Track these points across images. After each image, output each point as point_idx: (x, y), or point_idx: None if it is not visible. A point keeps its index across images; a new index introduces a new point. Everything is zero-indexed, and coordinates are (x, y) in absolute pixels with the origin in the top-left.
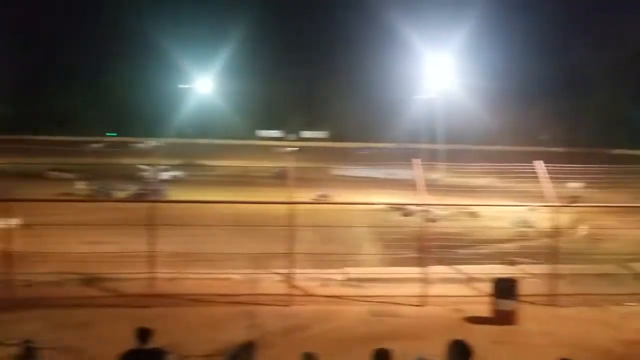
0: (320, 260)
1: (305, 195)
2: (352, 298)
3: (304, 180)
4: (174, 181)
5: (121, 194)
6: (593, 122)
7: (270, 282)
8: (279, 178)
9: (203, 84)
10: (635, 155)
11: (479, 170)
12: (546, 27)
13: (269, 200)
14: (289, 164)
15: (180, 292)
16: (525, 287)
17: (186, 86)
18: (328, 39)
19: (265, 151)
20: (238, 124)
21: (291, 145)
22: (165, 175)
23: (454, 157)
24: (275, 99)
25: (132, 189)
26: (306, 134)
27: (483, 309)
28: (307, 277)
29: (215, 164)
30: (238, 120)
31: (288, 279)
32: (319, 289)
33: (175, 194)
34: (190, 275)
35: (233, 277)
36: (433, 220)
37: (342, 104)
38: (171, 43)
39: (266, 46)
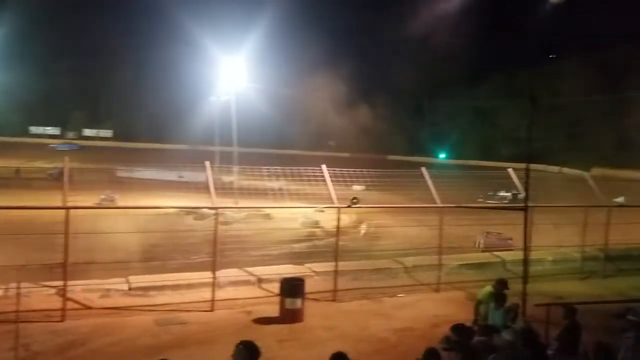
0: (102, 269)
1: (87, 199)
2: (137, 308)
3: (85, 182)
4: None
5: None
6: (376, 130)
7: (40, 296)
8: (56, 180)
9: None
10: (410, 161)
11: (272, 173)
12: (339, 35)
13: (41, 205)
14: (68, 164)
15: None
16: (312, 285)
17: None
18: (117, 32)
19: (40, 150)
20: (7, 119)
21: (68, 143)
22: None
23: (248, 160)
24: (54, 93)
25: None
26: (89, 132)
27: (272, 309)
28: (84, 288)
29: None
30: (8, 115)
31: (62, 291)
32: (98, 300)
33: None
34: None
35: None
36: (226, 223)
37: (129, 101)
38: None
39: (44, 33)
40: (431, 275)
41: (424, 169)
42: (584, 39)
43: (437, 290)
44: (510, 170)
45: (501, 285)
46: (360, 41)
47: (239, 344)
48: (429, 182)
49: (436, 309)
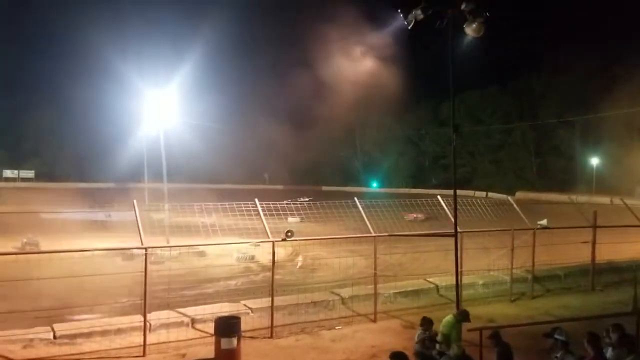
0: (25, 318)
1: (7, 243)
2: (63, 358)
3: (7, 226)
4: None
5: None
6: (308, 162)
7: None
8: None
9: None
10: (344, 192)
11: (205, 209)
12: (267, 68)
13: None
14: None
15: None
16: (248, 323)
17: None
18: (39, 69)
19: None
20: None
21: None
22: None
23: (179, 196)
24: None
25: None
26: (9, 172)
27: (207, 350)
28: (5, 339)
29: None
30: None
31: None
32: (21, 352)
33: None
34: None
35: None
36: (157, 263)
37: (52, 140)
38: None
39: None
40: (368, 305)
41: (356, 199)
42: (503, 69)
43: (374, 320)
44: (439, 197)
45: (463, 316)
46: (288, 74)
47: None
48: (362, 212)
49: (374, 339)
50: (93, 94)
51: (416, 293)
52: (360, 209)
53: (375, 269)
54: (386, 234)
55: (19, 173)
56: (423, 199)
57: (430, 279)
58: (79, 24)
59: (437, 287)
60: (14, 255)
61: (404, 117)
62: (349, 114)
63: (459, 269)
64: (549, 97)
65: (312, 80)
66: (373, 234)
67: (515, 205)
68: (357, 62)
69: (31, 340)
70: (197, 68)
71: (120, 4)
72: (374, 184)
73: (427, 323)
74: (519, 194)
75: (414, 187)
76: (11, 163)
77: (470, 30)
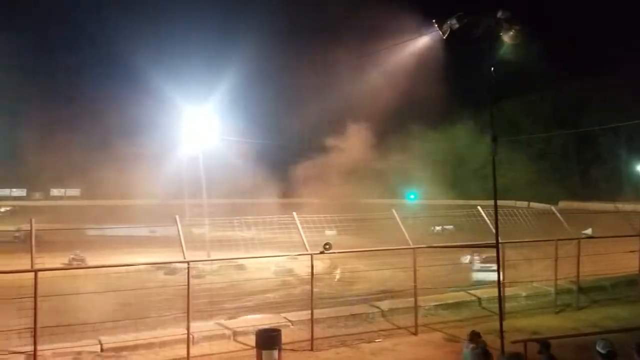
0: (73, 332)
1: (54, 260)
2: None
3: (53, 243)
4: None
5: None
6: (347, 175)
7: None
8: (23, 242)
9: None
10: (381, 204)
11: (243, 223)
12: (305, 82)
13: (8, 270)
14: (34, 225)
15: None
16: (288, 335)
17: None
18: (83, 93)
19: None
20: None
21: (8, 205)
22: None
23: (219, 212)
24: (19, 154)
25: None
26: (56, 191)
27: None
28: (55, 352)
29: None
30: None
31: (32, 357)
32: None
33: None
34: None
35: None
36: (199, 277)
37: (96, 160)
38: None
39: (9, 96)
40: (408, 318)
41: (394, 211)
42: (542, 76)
43: (414, 333)
44: (479, 208)
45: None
46: (323, 86)
47: None
48: (400, 224)
49: (415, 352)
50: (135, 114)
51: (457, 305)
52: (398, 220)
53: (415, 281)
54: (425, 245)
55: (65, 191)
56: (464, 210)
57: (472, 291)
58: (120, 45)
59: (479, 300)
60: (61, 271)
61: (441, 127)
62: (384, 124)
63: (501, 281)
64: (591, 104)
65: (346, 93)
66: (412, 246)
67: (558, 215)
68: (392, 73)
69: (79, 353)
70: (237, 84)
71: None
72: (411, 196)
73: (475, 337)
74: (562, 204)
75: (453, 198)
76: (58, 182)
77: (507, 38)
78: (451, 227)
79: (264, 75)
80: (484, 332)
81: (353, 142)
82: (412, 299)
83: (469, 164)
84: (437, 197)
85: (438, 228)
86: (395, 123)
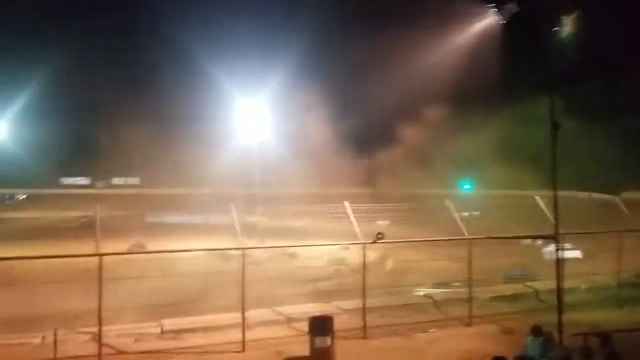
0: (135, 313)
1: (118, 245)
2: (170, 351)
3: (116, 229)
4: None
5: None
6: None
7: (76, 342)
8: (88, 228)
9: None
10: (434, 194)
11: (297, 212)
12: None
13: (73, 254)
14: (99, 212)
15: None
16: (340, 323)
17: None
18: (135, 82)
19: (71, 200)
20: (39, 171)
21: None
22: None
23: (273, 201)
24: (83, 145)
25: None
26: (117, 180)
27: (302, 348)
28: (119, 333)
29: (14, 217)
30: (39, 168)
31: (97, 337)
32: (132, 345)
33: None
34: None
35: (32, 342)
36: (253, 264)
37: (155, 149)
38: None
39: (69, 87)
40: (462, 309)
41: (448, 202)
42: (604, 62)
43: (469, 325)
44: (537, 198)
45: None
46: (380, 71)
47: None
48: (455, 215)
49: (470, 344)
50: (191, 103)
51: (514, 298)
52: (453, 211)
53: (469, 272)
54: (482, 236)
55: (126, 180)
56: (520, 200)
57: (530, 283)
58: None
59: (536, 292)
60: (123, 256)
61: (498, 114)
62: (438, 111)
63: (561, 273)
64: None
65: (404, 79)
66: (467, 237)
67: (622, 206)
68: (450, 58)
69: (141, 334)
70: (290, 74)
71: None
72: (466, 186)
73: (537, 330)
74: (626, 194)
75: (510, 188)
76: (119, 172)
77: (568, 22)
78: (477, 213)
79: (324, 62)
80: (542, 325)
81: (413, 130)
82: (467, 290)
83: (528, 152)
84: (494, 187)
85: (465, 214)
86: (453, 108)
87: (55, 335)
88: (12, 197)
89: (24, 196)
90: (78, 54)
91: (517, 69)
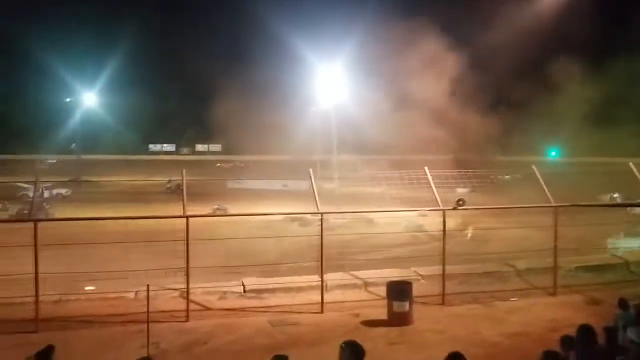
0: (218, 273)
1: (201, 208)
2: (252, 309)
3: (199, 194)
4: (60, 199)
5: (2, 214)
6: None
7: (166, 298)
8: (173, 193)
9: (89, 97)
10: (519, 161)
11: (374, 179)
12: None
13: (162, 215)
14: (185, 177)
15: (69, 315)
16: (418, 289)
17: (71, 99)
18: (217, 52)
19: (158, 166)
20: (128, 138)
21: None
22: (50, 193)
23: (350, 167)
24: (167, 112)
25: (13, 208)
26: (200, 147)
27: (380, 312)
28: (204, 291)
29: (105, 180)
30: (127, 135)
31: (185, 294)
32: (217, 302)
33: (62, 212)
34: (80, 297)
35: (125, 296)
36: (330, 229)
37: (235, 117)
38: (53, 55)
39: (156, 57)
40: (546, 279)
41: (534, 167)
42: None
43: (553, 294)
44: (631, 165)
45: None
46: (466, 37)
47: (342, 344)
48: (541, 181)
49: (553, 313)
50: (269, 72)
51: (601, 268)
52: (539, 177)
53: (555, 240)
54: (568, 203)
55: (208, 147)
56: (610, 167)
57: (619, 254)
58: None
59: (626, 263)
60: (207, 218)
61: (590, 77)
62: (523, 73)
63: None
64: None
65: (487, 40)
66: (553, 204)
67: None
68: (539, 13)
69: (225, 292)
70: (365, 40)
71: None
72: (553, 153)
73: (624, 303)
74: None
75: (599, 155)
76: (202, 139)
77: None
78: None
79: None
80: (631, 297)
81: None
82: (551, 259)
83: (622, 117)
84: (583, 155)
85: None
86: (536, 71)
87: (147, 291)
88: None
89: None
90: (163, 26)
91: (614, 28)
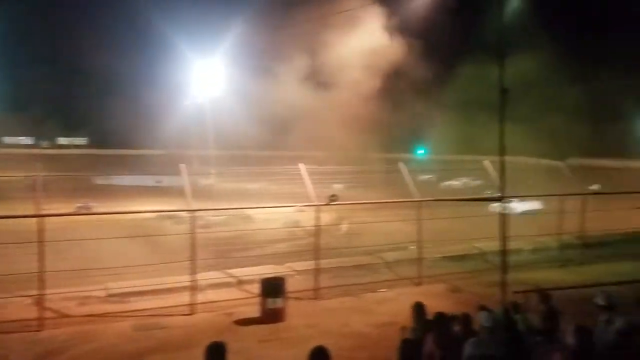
0: (79, 277)
1: (63, 207)
2: (116, 315)
3: (61, 190)
4: None
5: None
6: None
7: (16, 306)
8: (31, 189)
9: None
10: (389, 158)
11: (251, 174)
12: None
13: (12, 215)
14: (40, 173)
15: None
16: (293, 284)
17: None
18: (88, 40)
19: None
20: None
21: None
22: None
23: (226, 163)
24: (26, 102)
25: None
26: (63, 140)
27: (253, 310)
28: (62, 297)
29: None
30: None
31: (39, 301)
32: (76, 308)
33: None
34: None
35: None
36: (206, 227)
37: (103, 109)
38: None
39: (15, 41)
40: (412, 269)
41: (401, 165)
42: (555, 30)
43: (418, 284)
44: (485, 162)
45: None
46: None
47: (207, 345)
48: (407, 178)
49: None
50: (141, 63)
51: (462, 258)
52: (405, 174)
53: (419, 233)
54: (431, 198)
55: (72, 140)
56: (470, 165)
57: (477, 244)
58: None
59: (482, 252)
60: (70, 219)
61: (450, 81)
62: (388, 77)
63: (505, 235)
64: (607, 60)
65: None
66: (417, 199)
67: (566, 171)
68: (400, 20)
69: (86, 297)
70: (242, 34)
71: None
72: (420, 151)
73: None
74: (572, 160)
75: (463, 153)
76: (65, 131)
77: None
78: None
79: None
80: (487, 284)
81: (356, 91)
82: (417, 250)
83: (479, 117)
84: (446, 153)
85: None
86: (399, 76)
87: None
88: None
89: None
90: (21, 4)
91: (469, 36)
